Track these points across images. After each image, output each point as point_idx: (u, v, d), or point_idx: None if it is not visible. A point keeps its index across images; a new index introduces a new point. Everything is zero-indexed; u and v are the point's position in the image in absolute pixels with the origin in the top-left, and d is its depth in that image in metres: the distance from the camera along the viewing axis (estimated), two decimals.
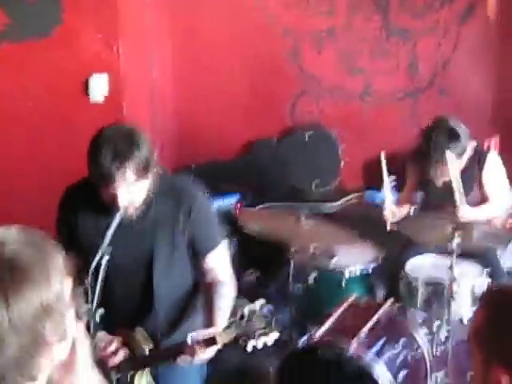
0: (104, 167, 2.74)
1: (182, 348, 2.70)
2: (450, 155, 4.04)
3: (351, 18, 5.72)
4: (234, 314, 2.65)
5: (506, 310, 1.72)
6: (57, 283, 1.39)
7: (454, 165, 4.06)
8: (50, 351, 1.40)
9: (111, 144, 2.76)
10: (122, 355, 2.90)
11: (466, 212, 3.98)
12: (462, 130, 4.14)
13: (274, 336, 2.51)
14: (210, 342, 2.62)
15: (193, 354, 2.67)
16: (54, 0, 4.77)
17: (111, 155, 2.74)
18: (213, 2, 5.77)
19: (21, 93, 4.92)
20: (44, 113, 4.95)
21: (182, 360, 2.73)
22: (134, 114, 4.93)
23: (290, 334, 3.97)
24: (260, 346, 2.51)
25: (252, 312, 2.51)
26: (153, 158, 2.88)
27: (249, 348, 2.50)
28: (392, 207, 4.34)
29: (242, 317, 2.52)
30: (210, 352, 2.69)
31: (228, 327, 2.57)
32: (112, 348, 2.91)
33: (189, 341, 2.66)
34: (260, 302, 2.54)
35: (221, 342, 2.57)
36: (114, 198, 2.80)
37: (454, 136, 4.12)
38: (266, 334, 2.50)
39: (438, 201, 4.29)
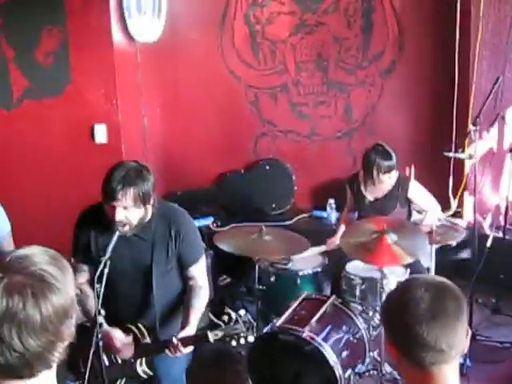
0: (111, 186, 2.77)
1: (168, 344, 2.70)
2: (383, 175, 4.11)
3: (299, 75, 5.70)
4: (221, 316, 2.67)
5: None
6: (71, 291, 1.39)
7: (387, 181, 4.16)
8: (62, 347, 1.39)
9: (123, 171, 2.80)
10: (132, 347, 2.90)
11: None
12: (392, 152, 4.16)
13: (250, 339, 2.58)
14: (203, 338, 2.62)
15: (176, 349, 2.67)
16: (65, 63, 4.74)
17: (119, 178, 2.77)
18: (192, 66, 5.71)
19: (38, 139, 4.89)
20: (57, 155, 4.89)
21: (168, 353, 2.72)
22: (130, 153, 4.87)
23: (257, 324, 3.95)
24: (241, 343, 2.58)
25: (237, 317, 2.58)
26: (152, 194, 2.87)
27: (233, 344, 2.56)
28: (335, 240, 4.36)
29: (230, 320, 2.59)
30: (191, 347, 2.72)
31: (219, 327, 2.60)
32: (129, 340, 2.92)
33: (174, 340, 2.66)
34: (243, 311, 2.62)
35: (212, 339, 2.59)
36: (113, 213, 2.81)
37: (387, 154, 4.13)
38: (245, 337, 2.56)
39: (369, 214, 4.27)
